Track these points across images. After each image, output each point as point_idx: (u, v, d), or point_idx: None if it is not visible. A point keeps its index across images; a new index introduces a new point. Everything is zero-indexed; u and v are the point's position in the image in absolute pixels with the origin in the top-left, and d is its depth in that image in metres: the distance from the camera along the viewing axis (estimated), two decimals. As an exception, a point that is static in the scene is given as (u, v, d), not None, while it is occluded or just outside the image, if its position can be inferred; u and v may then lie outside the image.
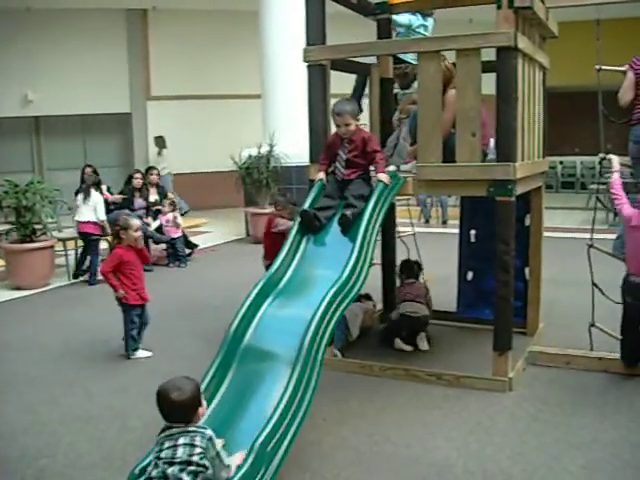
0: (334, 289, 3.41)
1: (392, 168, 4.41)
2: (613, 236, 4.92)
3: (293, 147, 9.62)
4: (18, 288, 7.43)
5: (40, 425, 3.82)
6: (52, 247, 7.75)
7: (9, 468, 3.33)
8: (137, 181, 9.06)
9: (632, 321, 4.19)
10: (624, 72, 4.92)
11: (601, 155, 4.57)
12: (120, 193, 9.14)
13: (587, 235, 4.69)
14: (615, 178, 4.30)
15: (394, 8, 5.24)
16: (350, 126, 4.08)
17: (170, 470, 2.43)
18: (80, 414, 3.96)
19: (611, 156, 4.47)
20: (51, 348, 5.29)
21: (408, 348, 4.90)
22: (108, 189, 9.11)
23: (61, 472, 3.28)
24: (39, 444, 3.57)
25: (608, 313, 4.41)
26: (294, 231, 3.97)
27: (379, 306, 5.67)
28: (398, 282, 5.41)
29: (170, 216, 8.75)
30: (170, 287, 7.39)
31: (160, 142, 13.49)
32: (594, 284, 4.54)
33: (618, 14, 8.76)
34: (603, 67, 4.64)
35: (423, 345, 4.92)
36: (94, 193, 7.76)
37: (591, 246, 4.57)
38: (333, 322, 3.36)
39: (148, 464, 2.58)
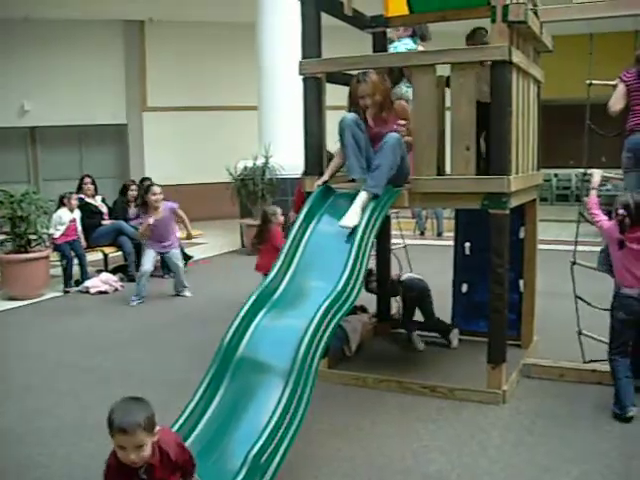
0: (329, 300, 3.41)
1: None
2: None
3: (289, 159, 9.64)
4: (13, 298, 7.42)
5: (35, 436, 3.80)
6: (47, 257, 7.73)
7: (4, 479, 3.32)
8: (132, 193, 9.07)
9: (622, 342, 4.01)
10: (614, 86, 4.95)
11: (584, 170, 4.66)
12: (114, 204, 9.12)
13: (583, 248, 4.72)
14: (591, 197, 4.28)
15: (390, 21, 5.29)
16: (143, 450, 2.28)
17: None
18: (75, 425, 3.94)
19: (593, 170, 4.50)
20: (45, 358, 5.28)
21: (421, 346, 5.15)
22: (103, 200, 9.09)
23: (55, 483, 3.27)
24: (34, 455, 3.55)
25: (602, 323, 4.39)
26: (289, 242, 3.97)
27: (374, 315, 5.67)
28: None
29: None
30: (164, 298, 7.41)
31: None
32: (577, 296, 4.60)
33: (611, 28, 8.86)
34: (594, 82, 4.69)
35: (454, 343, 5.16)
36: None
37: (574, 263, 4.63)
38: (328, 334, 3.36)
39: None
